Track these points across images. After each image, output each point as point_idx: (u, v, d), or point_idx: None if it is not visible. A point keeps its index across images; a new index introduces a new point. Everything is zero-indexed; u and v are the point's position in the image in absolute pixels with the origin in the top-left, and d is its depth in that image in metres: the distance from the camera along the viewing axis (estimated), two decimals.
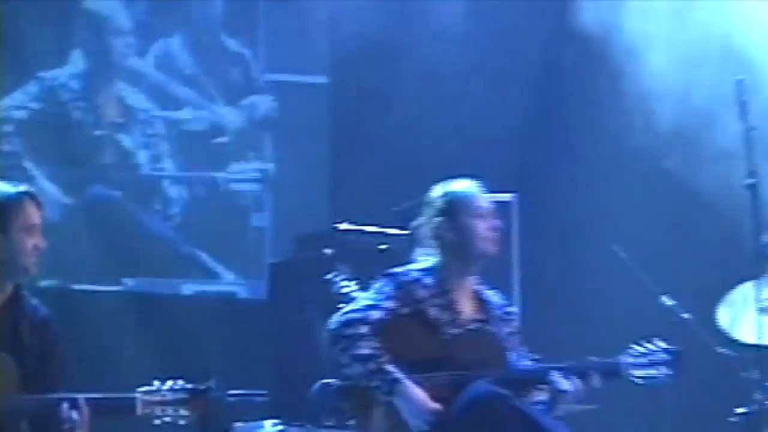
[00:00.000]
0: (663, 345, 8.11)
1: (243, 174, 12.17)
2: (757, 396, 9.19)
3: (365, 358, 7.83)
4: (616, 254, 10.34)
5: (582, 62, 12.67)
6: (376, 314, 7.95)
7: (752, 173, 9.58)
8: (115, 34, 11.87)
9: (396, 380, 7.81)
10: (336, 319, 7.98)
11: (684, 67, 12.22)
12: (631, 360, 8.04)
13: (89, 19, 11.81)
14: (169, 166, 12.00)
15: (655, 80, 12.26)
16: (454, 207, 8.20)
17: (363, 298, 8.20)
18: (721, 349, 9.84)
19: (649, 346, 8.11)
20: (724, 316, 9.89)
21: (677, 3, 12.61)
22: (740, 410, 9.28)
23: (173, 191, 11.97)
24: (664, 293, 9.96)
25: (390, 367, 7.83)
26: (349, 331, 7.87)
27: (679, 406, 10.33)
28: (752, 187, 9.53)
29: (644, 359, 8.07)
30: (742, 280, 9.91)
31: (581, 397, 8.07)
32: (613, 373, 8.01)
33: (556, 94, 12.75)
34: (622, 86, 12.32)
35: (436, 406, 7.80)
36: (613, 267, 10.44)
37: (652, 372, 8.05)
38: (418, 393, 7.82)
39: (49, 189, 11.54)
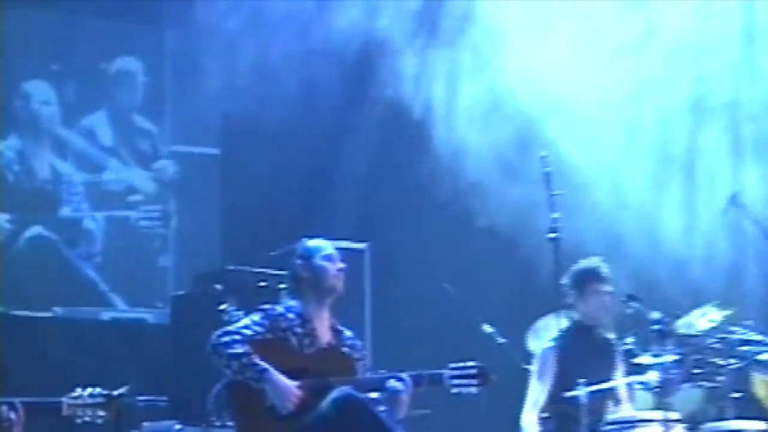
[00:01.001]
0: (473, 363, 8.39)
1: (149, 214, 12.11)
2: None
3: (239, 356, 8.13)
4: (446, 291, 10.37)
5: (400, 127, 12.68)
6: (247, 332, 8.30)
7: (553, 229, 9.93)
8: (47, 109, 11.78)
9: (264, 370, 8.14)
10: (215, 334, 8.29)
11: (485, 128, 12.23)
12: (450, 372, 8.32)
13: (25, 99, 11.80)
14: (91, 216, 11.94)
15: (461, 140, 12.30)
16: (310, 253, 8.56)
17: (238, 323, 8.51)
18: (526, 366, 10.05)
19: (466, 363, 8.37)
20: (532, 340, 10.35)
21: (471, 67, 12.61)
22: (544, 415, 9.57)
23: (95, 236, 11.92)
24: (485, 322, 10.25)
25: (260, 362, 8.17)
26: (225, 339, 8.22)
27: (494, 411, 10.23)
28: (554, 240, 9.91)
29: (460, 372, 8.34)
30: (544, 312, 10.24)
31: (412, 400, 8.36)
32: (437, 381, 8.34)
33: (389, 157, 12.74)
34: (435, 147, 12.39)
35: (299, 392, 8.18)
36: (445, 301, 10.45)
37: (464, 382, 8.34)
38: (283, 380, 8.19)
39: None
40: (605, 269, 9.85)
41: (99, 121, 12.04)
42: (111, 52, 12.01)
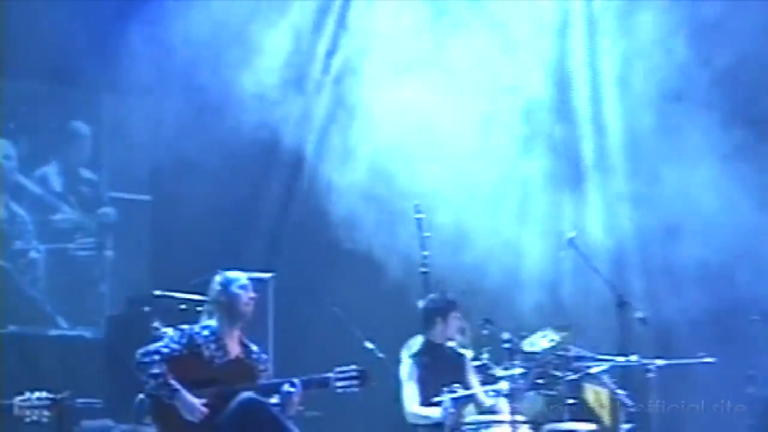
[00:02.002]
0: (354, 367, 8.68)
1: (85, 245, 11.92)
2: None
3: (156, 376, 8.40)
4: (335, 313, 10.54)
5: (295, 170, 12.64)
6: (165, 350, 8.52)
7: (425, 265, 10.32)
8: (7, 163, 11.62)
9: (176, 390, 8.40)
10: (139, 352, 8.53)
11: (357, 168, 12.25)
12: (335, 376, 8.62)
13: None
14: (40, 253, 11.80)
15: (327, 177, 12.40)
16: (228, 282, 8.80)
17: (158, 342, 8.71)
18: None
19: (348, 367, 8.67)
20: (406, 355, 10.12)
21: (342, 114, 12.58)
22: None
23: (41, 267, 11.80)
24: (368, 339, 10.38)
25: (172, 382, 8.41)
26: (146, 359, 8.45)
27: (375, 413, 10.46)
28: (424, 274, 10.34)
29: (343, 375, 8.63)
30: (415, 332, 10.14)
31: (307, 401, 8.85)
32: (324, 384, 8.64)
33: (289, 198, 12.67)
34: (323, 188, 12.37)
35: (203, 409, 8.41)
36: (335, 322, 10.59)
37: (346, 383, 8.62)
38: (190, 399, 8.43)
39: None
40: (460, 300, 10.05)
41: (51, 171, 11.86)
42: (61, 114, 11.80)
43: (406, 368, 9.84)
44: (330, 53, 12.77)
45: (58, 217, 11.85)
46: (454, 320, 9.93)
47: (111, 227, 12.19)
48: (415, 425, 9.70)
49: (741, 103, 12.78)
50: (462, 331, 10.14)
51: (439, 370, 9.79)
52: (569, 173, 13.08)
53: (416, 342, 10.12)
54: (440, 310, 9.92)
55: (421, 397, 9.69)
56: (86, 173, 12.02)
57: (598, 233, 12.91)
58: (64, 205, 11.85)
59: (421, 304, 10.09)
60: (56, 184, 11.88)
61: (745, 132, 12.68)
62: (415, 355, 9.87)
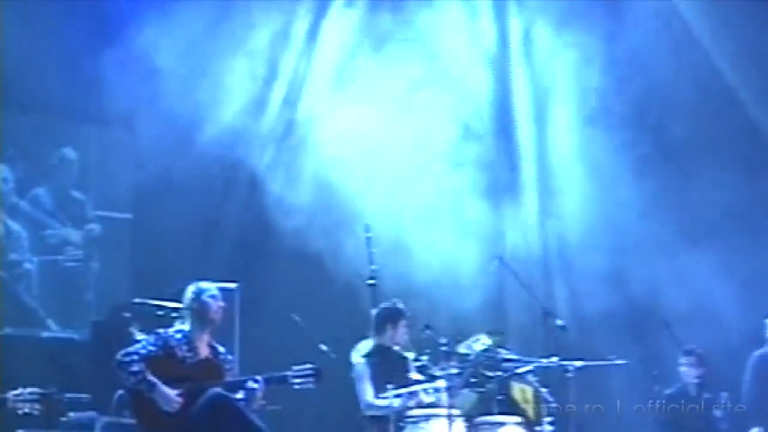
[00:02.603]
0: (309, 365, 8.81)
1: (74, 257, 11.77)
2: None
3: (135, 373, 8.50)
4: (294, 319, 10.34)
5: (259, 193, 12.46)
6: (143, 351, 8.61)
7: (372, 277, 10.26)
8: (5, 185, 11.49)
9: (153, 384, 8.52)
10: (120, 353, 8.61)
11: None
12: (292, 373, 8.75)
13: None
14: (33, 264, 11.69)
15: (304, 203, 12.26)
16: (200, 292, 8.91)
17: (137, 344, 8.79)
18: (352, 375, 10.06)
19: (304, 366, 8.78)
20: (355, 356, 10.14)
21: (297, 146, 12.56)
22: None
23: (35, 277, 11.70)
24: (322, 342, 10.18)
25: (151, 377, 8.51)
26: (127, 359, 8.54)
27: (328, 408, 10.62)
28: (372, 286, 10.27)
29: (299, 372, 8.73)
30: (364, 336, 10.18)
31: (268, 396, 8.84)
32: (283, 380, 8.76)
33: (256, 216, 12.48)
34: (284, 208, 12.23)
35: (178, 399, 8.50)
36: (293, 327, 10.34)
37: (302, 380, 8.73)
38: (167, 391, 8.52)
39: None
40: (404, 308, 10.14)
41: (43, 192, 11.77)
42: (52, 142, 11.74)
43: (361, 368, 9.89)
44: (283, 82, 12.74)
45: (49, 232, 11.72)
46: (402, 327, 10.01)
47: (96, 242, 12.06)
48: (370, 416, 9.73)
49: (648, 127, 13.07)
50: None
51: (388, 370, 9.84)
52: (500, 189, 13.15)
53: (364, 345, 10.14)
54: (390, 318, 10.02)
55: (374, 393, 9.72)
56: (74, 194, 11.93)
57: (528, 245, 13.07)
58: (54, 222, 11.71)
59: (373, 312, 10.09)
60: (48, 203, 11.74)
61: (653, 152, 13.00)
62: (367, 356, 9.93)
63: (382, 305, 10.21)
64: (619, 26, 13.05)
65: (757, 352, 11.89)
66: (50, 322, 11.80)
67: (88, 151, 12.08)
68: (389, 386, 9.57)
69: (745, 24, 12.76)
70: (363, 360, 9.95)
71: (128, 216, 12.25)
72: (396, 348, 10.08)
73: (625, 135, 12.98)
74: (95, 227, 12.03)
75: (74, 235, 11.91)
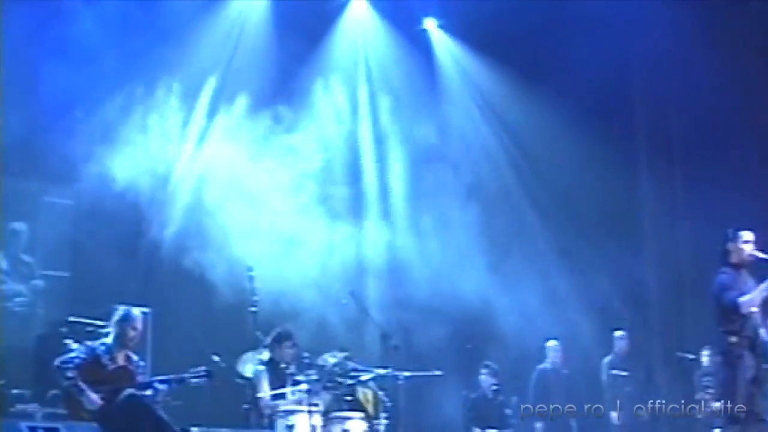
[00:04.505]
0: (202, 368, 8.81)
1: (23, 304, 11.09)
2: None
3: (68, 378, 8.48)
4: (192, 334, 10.39)
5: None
6: (76, 360, 8.59)
7: (253, 304, 9.94)
8: None
9: (82, 389, 8.47)
10: (57, 360, 8.56)
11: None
12: (189, 375, 8.71)
13: None
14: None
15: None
16: (126, 315, 8.85)
17: (71, 353, 8.70)
18: (239, 380, 10.23)
19: (197, 369, 8.76)
20: (240, 365, 10.44)
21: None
22: (246, 406, 9.73)
23: None
24: (215, 353, 10.11)
25: (80, 383, 8.47)
26: (63, 365, 8.49)
27: (219, 400, 10.18)
28: (254, 312, 9.98)
29: (194, 374, 8.71)
30: (245, 350, 10.21)
31: (168, 393, 8.71)
32: (182, 381, 8.74)
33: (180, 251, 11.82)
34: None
35: (100, 402, 8.43)
36: (192, 341, 10.36)
37: (197, 380, 8.69)
38: (91, 394, 8.46)
39: None
40: (290, 331, 10.13)
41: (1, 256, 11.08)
42: (7, 216, 10.89)
43: (260, 374, 9.86)
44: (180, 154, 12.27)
45: (4, 287, 11.16)
46: (287, 346, 10.01)
47: (40, 293, 11.39)
48: (251, 408, 9.67)
49: (471, 160, 13.34)
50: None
51: (276, 376, 9.86)
52: (355, 218, 12.98)
53: (248, 357, 10.19)
54: (281, 338, 10.02)
55: (270, 389, 9.73)
56: (24, 257, 11.27)
57: (376, 270, 12.86)
58: (8, 279, 11.18)
59: (278, 330, 10.03)
60: (3, 265, 11.06)
61: (477, 179, 13.27)
62: (264, 364, 9.90)
63: (277, 328, 10.15)
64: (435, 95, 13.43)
65: (539, 366, 12.42)
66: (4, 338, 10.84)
67: (36, 222, 11.45)
68: (274, 387, 9.68)
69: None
70: (262, 367, 9.94)
71: (66, 274, 11.62)
72: (282, 360, 10.03)
73: (448, 167, 13.13)
74: (40, 282, 11.34)
75: (23, 288, 11.27)
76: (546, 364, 12.35)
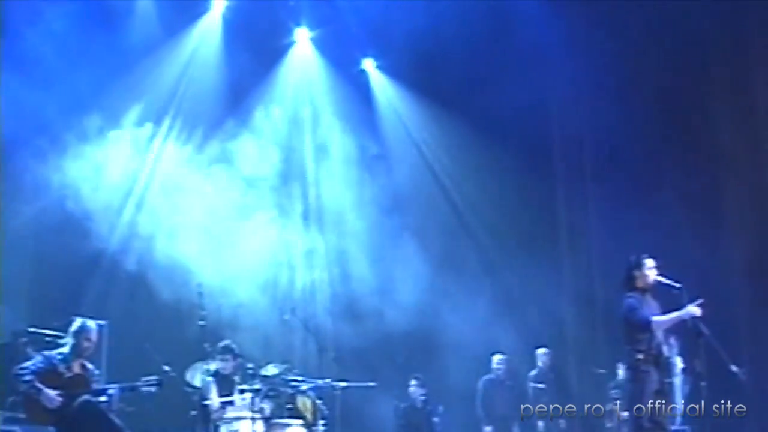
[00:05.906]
0: (154, 377, 8.78)
1: None
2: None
3: (27, 382, 8.54)
4: (146, 348, 9.98)
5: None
6: (33, 367, 8.62)
7: (202, 318, 9.97)
8: None
9: (39, 389, 8.51)
10: (17, 367, 8.63)
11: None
12: (141, 383, 8.71)
13: None
14: None
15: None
16: (81, 327, 8.87)
17: (30, 362, 8.71)
18: (187, 388, 10.09)
19: (149, 377, 8.71)
20: (188, 374, 10.30)
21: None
22: (193, 413, 9.66)
23: None
24: (166, 363, 9.86)
25: (38, 384, 8.50)
26: (21, 372, 8.56)
27: (169, 406, 10.04)
28: (203, 326, 9.96)
29: (145, 383, 8.72)
30: (194, 360, 10.14)
31: (122, 399, 8.75)
32: (135, 388, 8.75)
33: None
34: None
35: (59, 399, 8.46)
36: (145, 352, 9.96)
37: (148, 388, 8.71)
38: (49, 393, 8.51)
39: None
40: (232, 346, 10.21)
41: None
42: None
43: (209, 385, 9.89)
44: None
45: None
46: (228, 359, 10.07)
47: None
48: (198, 415, 9.66)
49: (409, 165, 13.42)
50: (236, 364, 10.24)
51: (222, 386, 9.93)
52: (303, 242, 12.96)
53: (197, 366, 10.20)
54: (223, 351, 10.06)
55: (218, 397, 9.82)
56: None
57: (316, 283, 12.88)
58: None
59: (223, 344, 10.03)
60: None
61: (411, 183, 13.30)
62: (212, 376, 9.97)
63: (225, 342, 10.21)
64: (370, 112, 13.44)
65: (485, 377, 12.40)
66: None
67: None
68: (221, 395, 9.77)
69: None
70: (210, 378, 10.03)
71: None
72: (225, 371, 10.15)
73: (380, 171, 13.14)
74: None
75: None
76: (491, 375, 12.46)
